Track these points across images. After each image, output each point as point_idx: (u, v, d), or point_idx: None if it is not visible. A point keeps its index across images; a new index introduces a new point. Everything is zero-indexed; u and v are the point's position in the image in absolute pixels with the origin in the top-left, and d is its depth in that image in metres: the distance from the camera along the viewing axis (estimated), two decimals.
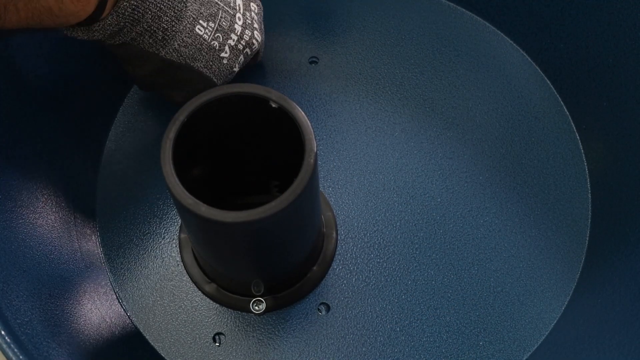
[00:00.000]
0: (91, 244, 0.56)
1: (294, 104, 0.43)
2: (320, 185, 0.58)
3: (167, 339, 0.54)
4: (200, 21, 0.51)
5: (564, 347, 0.52)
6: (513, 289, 0.55)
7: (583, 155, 0.59)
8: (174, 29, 0.50)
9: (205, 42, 0.51)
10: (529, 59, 0.62)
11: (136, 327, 0.54)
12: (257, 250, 0.47)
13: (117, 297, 0.55)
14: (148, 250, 0.56)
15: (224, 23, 0.52)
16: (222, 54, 0.53)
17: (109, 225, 0.57)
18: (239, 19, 0.53)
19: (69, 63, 0.56)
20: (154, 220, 0.57)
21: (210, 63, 0.52)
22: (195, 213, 0.41)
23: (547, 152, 0.59)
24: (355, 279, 0.55)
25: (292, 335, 0.53)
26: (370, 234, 0.56)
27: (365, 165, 0.58)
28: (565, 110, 0.61)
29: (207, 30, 0.51)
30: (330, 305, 0.54)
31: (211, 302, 0.54)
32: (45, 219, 0.53)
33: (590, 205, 0.57)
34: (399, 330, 0.53)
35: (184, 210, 0.42)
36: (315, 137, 0.43)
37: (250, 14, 0.55)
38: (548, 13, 0.60)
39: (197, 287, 0.55)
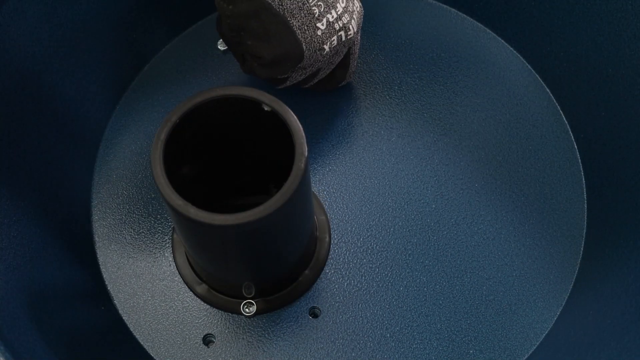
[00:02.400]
0: (84, 243, 0.56)
1: (287, 107, 0.43)
2: (314, 188, 0.57)
3: (157, 339, 0.54)
4: None
5: (555, 358, 0.52)
6: (505, 298, 0.54)
7: (580, 164, 0.59)
8: None
9: (307, 4, 0.51)
10: (529, 66, 0.62)
11: (126, 327, 0.54)
12: (247, 253, 0.47)
13: (108, 296, 0.55)
14: (141, 249, 0.56)
15: None
16: (319, 24, 0.51)
17: (103, 224, 0.57)
18: (342, 1, 0.53)
19: (66, 61, 0.56)
20: (148, 220, 0.57)
21: (305, 27, 0.51)
22: (184, 215, 0.41)
23: (544, 161, 0.59)
24: (347, 284, 0.55)
25: (282, 338, 0.53)
26: (363, 238, 0.56)
27: (361, 170, 0.58)
28: (564, 118, 0.60)
29: None
30: (322, 309, 0.54)
31: (202, 303, 0.54)
32: (39, 217, 0.53)
33: (585, 215, 0.57)
34: (389, 336, 0.53)
35: (173, 212, 0.42)
36: (309, 140, 0.43)
37: (353, 4, 0.54)
38: (548, 20, 0.60)
39: (189, 287, 0.55)
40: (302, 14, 0.51)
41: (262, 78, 0.56)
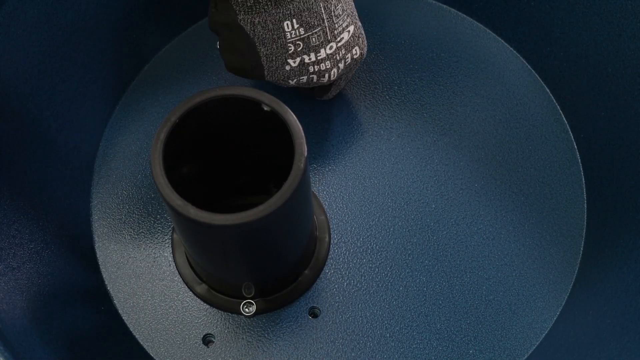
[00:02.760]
0: (84, 243, 0.56)
1: (287, 107, 0.43)
2: (314, 188, 0.57)
3: (156, 339, 0.54)
4: (294, 20, 0.49)
5: (555, 358, 0.52)
6: (505, 298, 0.54)
7: (580, 164, 0.59)
8: (265, 6, 0.49)
9: (282, 39, 0.50)
10: (529, 66, 0.62)
11: (126, 327, 0.54)
12: (247, 253, 0.47)
13: (108, 296, 0.55)
14: (141, 249, 0.56)
15: (313, 39, 0.50)
16: (290, 60, 0.51)
17: (103, 224, 0.57)
18: (330, 49, 0.51)
19: (66, 61, 0.56)
20: (148, 220, 0.57)
21: (274, 58, 0.51)
22: (183, 215, 0.41)
23: (544, 161, 0.59)
24: (347, 284, 0.55)
25: (282, 338, 0.53)
26: (363, 238, 0.56)
27: (361, 170, 0.58)
28: (564, 118, 0.60)
29: (292, 32, 0.50)
30: (322, 309, 0.54)
31: (202, 303, 0.54)
32: (38, 217, 0.53)
33: (585, 215, 0.57)
34: (389, 336, 0.53)
35: (173, 212, 0.42)
36: (309, 140, 0.42)
37: (346, 55, 0.53)
38: (549, 21, 0.60)
39: (189, 287, 0.55)
40: (274, 46, 0.50)
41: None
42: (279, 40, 0.50)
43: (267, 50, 0.50)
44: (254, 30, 0.50)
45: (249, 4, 0.49)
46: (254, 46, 0.50)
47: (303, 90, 0.57)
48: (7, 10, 0.50)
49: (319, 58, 0.51)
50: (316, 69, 0.52)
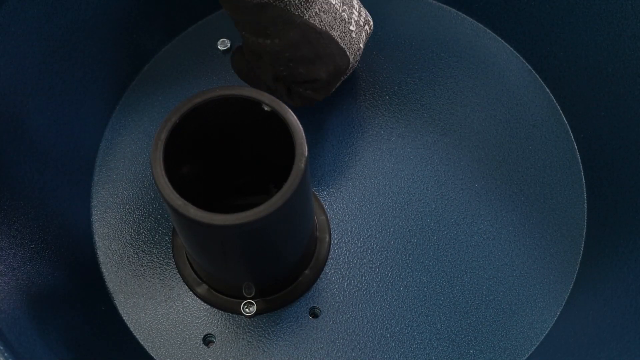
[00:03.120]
0: (84, 243, 0.56)
1: (287, 107, 0.43)
2: (314, 188, 0.57)
3: (157, 339, 0.54)
4: None
5: (555, 358, 0.52)
6: (505, 298, 0.54)
7: (580, 164, 0.59)
8: None
9: (338, 12, 0.51)
10: (529, 66, 0.62)
11: (126, 327, 0.54)
12: (247, 253, 0.47)
13: (108, 296, 0.55)
14: (141, 249, 0.56)
15: None
16: (351, 27, 0.52)
17: (103, 224, 0.57)
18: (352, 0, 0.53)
19: (66, 61, 0.56)
20: (148, 220, 0.57)
21: (344, 34, 0.51)
22: (184, 215, 0.41)
23: (544, 161, 0.59)
24: (347, 284, 0.55)
25: (282, 338, 0.53)
26: (363, 238, 0.56)
27: (361, 170, 0.58)
28: (564, 118, 0.60)
29: (335, 1, 0.50)
30: (322, 309, 0.54)
31: (202, 303, 0.54)
32: (38, 217, 0.53)
33: (585, 215, 0.57)
34: (389, 336, 0.53)
35: (173, 212, 0.42)
36: (310, 140, 0.42)
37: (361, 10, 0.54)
38: (549, 21, 0.60)
39: (189, 287, 0.55)
40: (337, 23, 0.51)
41: (311, 103, 0.55)
42: (337, 16, 0.50)
43: (337, 32, 0.51)
44: (321, 21, 0.49)
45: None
46: (330, 37, 0.50)
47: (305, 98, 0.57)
48: (7, 10, 0.50)
49: (358, 10, 0.53)
50: (363, 20, 0.53)
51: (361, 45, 0.54)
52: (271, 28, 0.49)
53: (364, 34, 0.54)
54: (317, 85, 0.52)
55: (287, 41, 0.49)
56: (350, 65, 0.53)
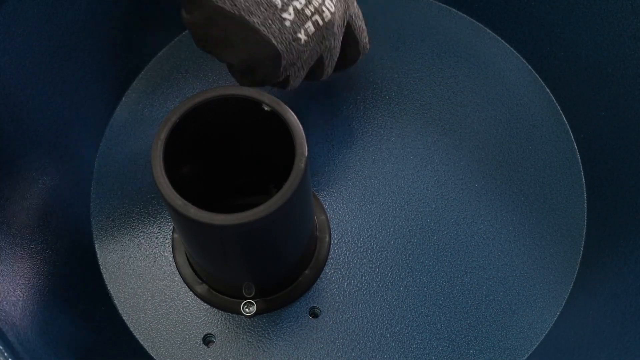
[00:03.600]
0: (84, 242, 0.56)
1: (287, 107, 0.43)
2: (314, 188, 0.57)
3: (157, 339, 0.54)
4: None
5: (555, 358, 0.52)
6: (505, 298, 0.54)
7: (580, 165, 0.59)
8: None
9: None
10: (529, 66, 0.62)
11: (126, 327, 0.54)
12: (247, 253, 0.47)
13: (108, 296, 0.55)
14: (141, 249, 0.56)
15: None
16: (285, 15, 0.47)
17: (103, 224, 0.57)
18: None
19: (66, 61, 0.56)
20: (148, 220, 0.57)
21: (269, 22, 0.46)
22: (184, 215, 0.41)
23: (544, 161, 0.59)
24: (347, 284, 0.55)
25: (282, 338, 0.53)
26: (363, 238, 0.56)
27: (361, 170, 0.58)
28: (564, 118, 0.60)
29: None
30: (322, 309, 0.54)
31: (202, 303, 0.54)
32: (39, 218, 0.53)
33: (585, 215, 0.57)
34: (389, 336, 0.53)
35: (173, 212, 0.42)
36: (309, 140, 0.42)
37: None
38: (549, 20, 0.60)
39: (189, 287, 0.55)
40: (262, 9, 0.46)
41: (253, 86, 0.50)
42: (263, 1, 0.46)
43: (259, 18, 0.46)
44: (234, 4, 0.46)
45: None
46: (245, 23, 0.46)
47: (336, 69, 0.54)
48: (7, 10, 0.50)
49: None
50: (312, 10, 0.48)
51: (301, 35, 0.48)
52: (186, 4, 0.48)
53: (309, 23, 0.48)
54: (233, 70, 0.50)
55: (196, 20, 0.48)
56: (285, 55, 0.48)
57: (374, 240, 0.56)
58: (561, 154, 0.59)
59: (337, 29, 0.51)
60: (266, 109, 0.43)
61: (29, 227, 0.51)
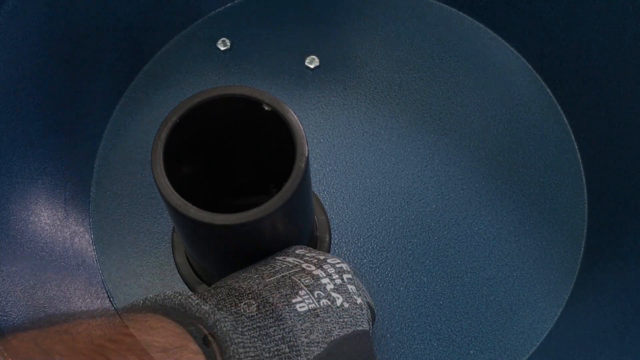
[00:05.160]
0: (84, 242, 0.56)
1: (287, 107, 0.43)
2: (314, 188, 0.57)
3: None
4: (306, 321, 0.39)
5: (556, 358, 0.52)
6: (505, 298, 0.54)
7: (581, 164, 0.59)
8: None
9: (316, 310, 0.40)
10: (529, 66, 0.62)
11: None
12: (247, 253, 0.47)
13: (108, 295, 0.55)
14: (141, 249, 0.56)
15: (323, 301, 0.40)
16: (339, 302, 0.41)
17: (102, 224, 0.57)
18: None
19: (66, 61, 0.56)
20: (148, 219, 0.57)
21: (340, 320, 0.40)
22: (184, 215, 0.41)
23: (544, 161, 0.59)
24: None
25: None
26: (363, 238, 0.56)
27: (361, 170, 0.58)
28: (564, 118, 0.60)
29: (308, 301, 0.40)
30: None
31: None
32: (39, 217, 0.53)
33: (586, 215, 0.57)
34: (389, 336, 0.53)
35: (173, 212, 0.42)
36: (310, 140, 0.42)
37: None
38: (549, 20, 0.60)
39: (189, 287, 0.55)
40: (329, 321, 0.40)
41: None
42: (318, 317, 0.40)
43: (337, 330, 0.40)
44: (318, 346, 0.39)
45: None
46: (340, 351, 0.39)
47: None
48: (7, 10, 0.50)
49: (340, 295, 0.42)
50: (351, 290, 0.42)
51: (356, 297, 0.42)
52: None
53: (352, 286, 0.42)
54: None
55: None
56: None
57: (373, 240, 0.56)
58: (561, 153, 0.59)
59: None
60: (266, 108, 0.43)
61: (27, 227, 0.51)
